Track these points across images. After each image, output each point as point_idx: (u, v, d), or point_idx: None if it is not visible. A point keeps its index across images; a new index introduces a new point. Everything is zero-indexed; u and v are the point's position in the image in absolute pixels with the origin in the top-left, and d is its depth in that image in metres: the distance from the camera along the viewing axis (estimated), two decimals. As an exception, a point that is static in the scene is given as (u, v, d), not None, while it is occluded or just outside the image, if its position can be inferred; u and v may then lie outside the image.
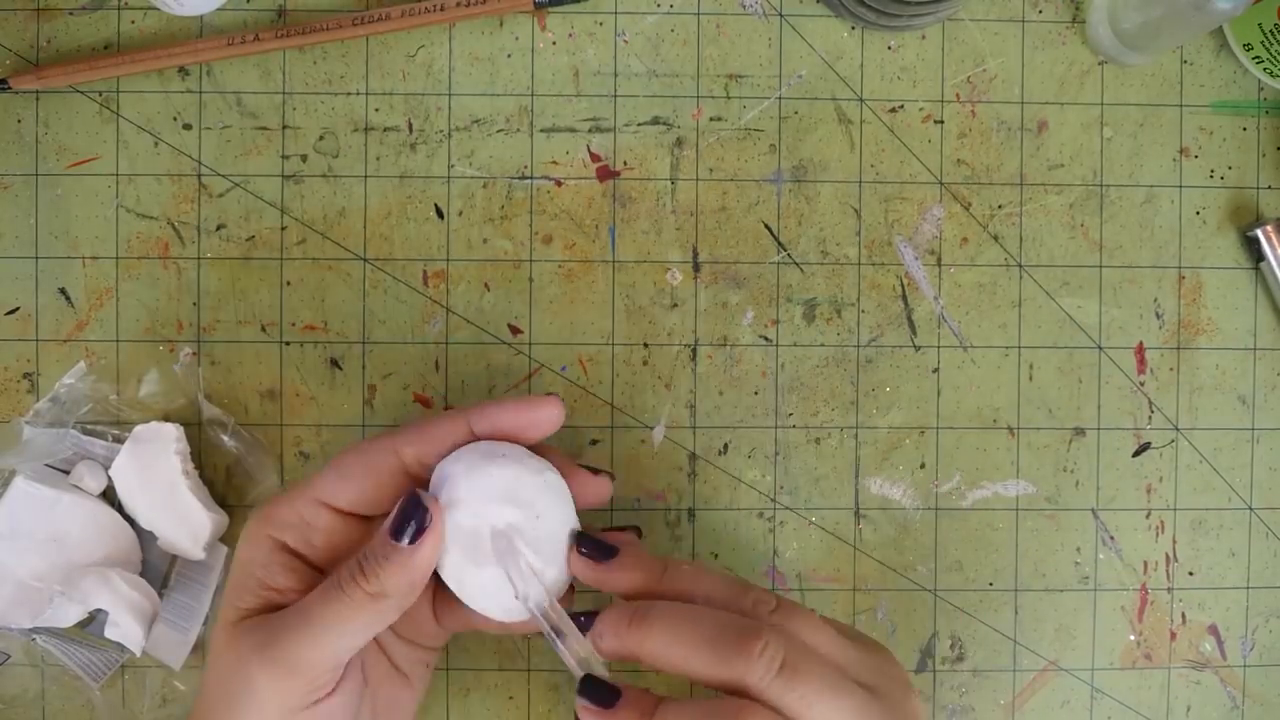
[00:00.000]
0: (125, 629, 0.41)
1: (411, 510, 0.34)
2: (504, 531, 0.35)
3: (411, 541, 0.34)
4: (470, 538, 0.35)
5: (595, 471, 0.38)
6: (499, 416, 0.37)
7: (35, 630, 0.42)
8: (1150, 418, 0.46)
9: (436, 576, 0.36)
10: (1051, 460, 0.45)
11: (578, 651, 0.35)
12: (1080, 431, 0.46)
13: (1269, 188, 0.46)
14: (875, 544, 0.45)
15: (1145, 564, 0.46)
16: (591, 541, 0.37)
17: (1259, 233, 0.45)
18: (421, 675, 0.40)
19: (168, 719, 0.45)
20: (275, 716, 0.34)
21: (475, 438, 0.37)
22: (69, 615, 0.41)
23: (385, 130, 0.45)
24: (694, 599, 0.35)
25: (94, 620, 0.42)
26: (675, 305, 0.45)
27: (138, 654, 0.42)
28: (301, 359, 0.45)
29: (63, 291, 0.44)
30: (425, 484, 0.37)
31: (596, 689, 0.34)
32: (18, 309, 0.44)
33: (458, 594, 0.36)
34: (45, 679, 0.44)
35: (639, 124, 0.45)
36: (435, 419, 0.37)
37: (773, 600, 0.35)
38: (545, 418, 0.37)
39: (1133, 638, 0.46)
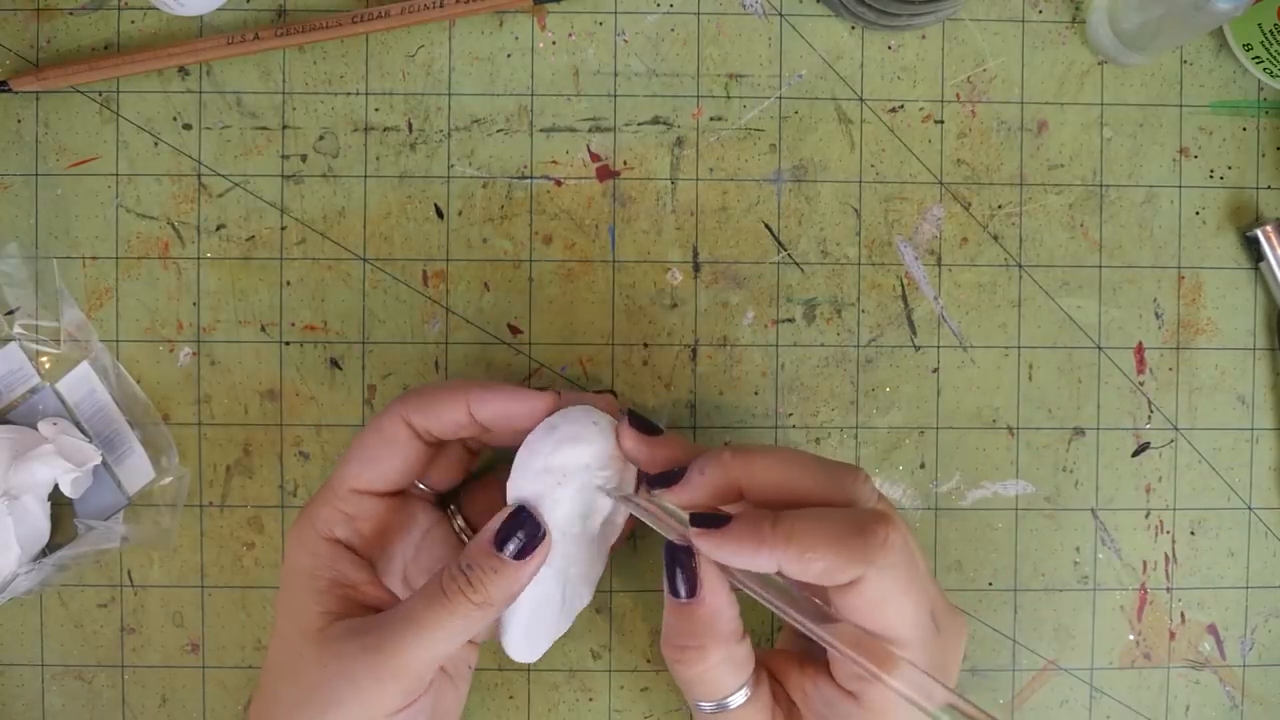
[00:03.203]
0: (78, 479, 0.42)
1: (520, 525, 0.35)
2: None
3: (518, 556, 0.35)
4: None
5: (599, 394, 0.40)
6: (492, 404, 0.37)
7: (35, 561, 0.43)
8: (1150, 418, 0.46)
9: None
10: (1051, 460, 0.46)
11: (670, 509, 0.36)
12: (1080, 431, 0.46)
13: (1268, 188, 0.46)
14: (875, 544, 0.45)
15: (1144, 564, 0.46)
16: (640, 418, 0.38)
17: (1258, 233, 0.45)
18: (465, 677, 0.41)
19: (167, 718, 0.45)
20: (382, 713, 0.34)
21: (474, 421, 0.37)
22: (37, 519, 0.42)
23: (385, 130, 0.45)
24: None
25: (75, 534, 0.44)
26: (675, 305, 0.45)
27: (97, 460, 0.42)
28: (301, 359, 0.45)
29: (63, 292, 0.44)
30: (431, 444, 0.38)
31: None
32: (18, 309, 0.44)
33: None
34: (68, 606, 0.44)
35: (639, 124, 0.45)
36: (437, 394, 0.38)
37: None
38: (529, 412, 0.37)
39: (1132, 637, 0.46)
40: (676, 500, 0.35)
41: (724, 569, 0.34)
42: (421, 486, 0.41)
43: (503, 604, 0.35)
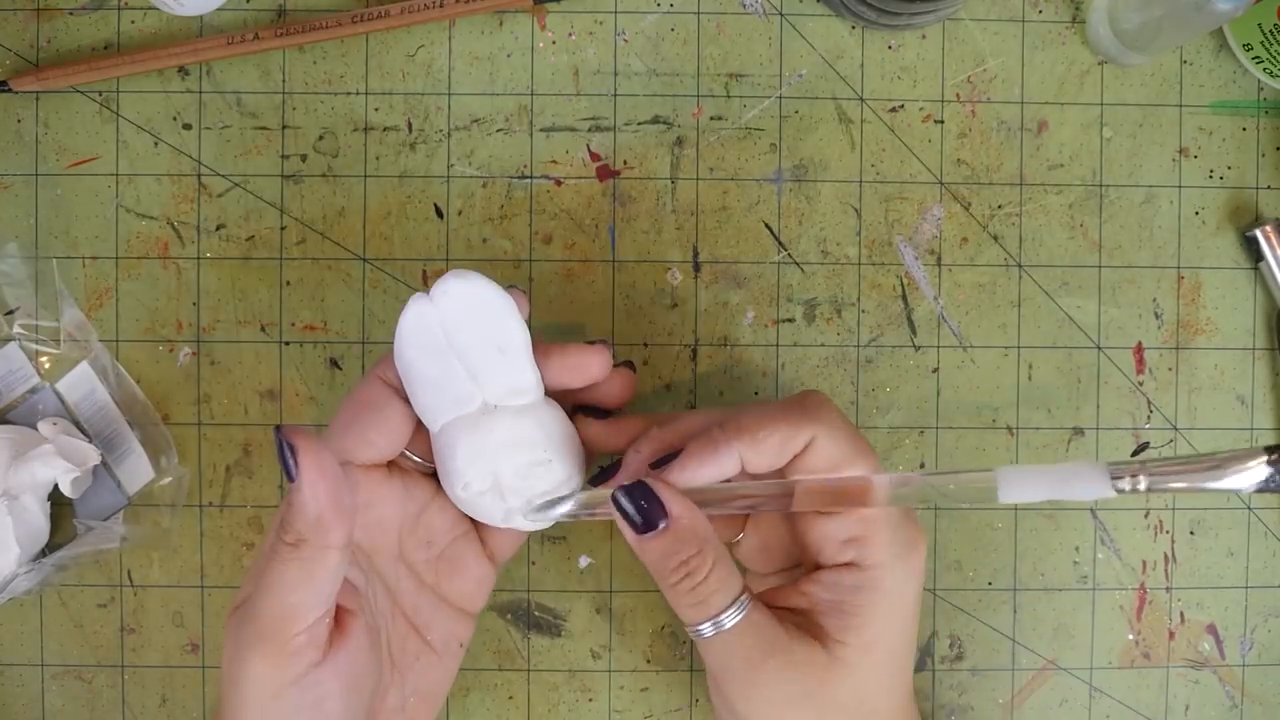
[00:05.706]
0: (78, 479, 0.42)
1: (279, 449, 0.33)
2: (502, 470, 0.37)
3: (293, 479, 0.33)
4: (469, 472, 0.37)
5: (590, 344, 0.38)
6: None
7: (35, 561, 0.43)
8: (1149, 417, 0.46)
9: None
10: (1050, 460, 0.46)
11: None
12: (1079, 431, 0.46)
13: (1268, 188, 0.46)
14: (875, 543, 0.45)
15: (1144, 563, 0.46)
16: (594, 409, 0.39)
17: (1258, 233, 0.45)
18: (455, 654, 0.40)
19: (167, 718, 0.45)
20: (270, 690, 0.33)
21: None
22: (37, 519, 0.42)
23: (385, 130, 0.45)
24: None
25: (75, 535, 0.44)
26: (675, 305, 0.45)
27: (96, 460, 0.42)
28: (301, 359, 0.45)
29: (62, 292, 0.44)
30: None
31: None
32: (18, 308, 0.44)
33: (483, 520, 0.38)
34: (68, 604, 0.44)
35: (639, 123, 0.45)
36: (364, 422, 0.37)
37: None
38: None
39: (1131, 637, 0.46)
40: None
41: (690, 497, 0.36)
42: (416, 459, 0.39)
43: (312, 534, 0.33)
